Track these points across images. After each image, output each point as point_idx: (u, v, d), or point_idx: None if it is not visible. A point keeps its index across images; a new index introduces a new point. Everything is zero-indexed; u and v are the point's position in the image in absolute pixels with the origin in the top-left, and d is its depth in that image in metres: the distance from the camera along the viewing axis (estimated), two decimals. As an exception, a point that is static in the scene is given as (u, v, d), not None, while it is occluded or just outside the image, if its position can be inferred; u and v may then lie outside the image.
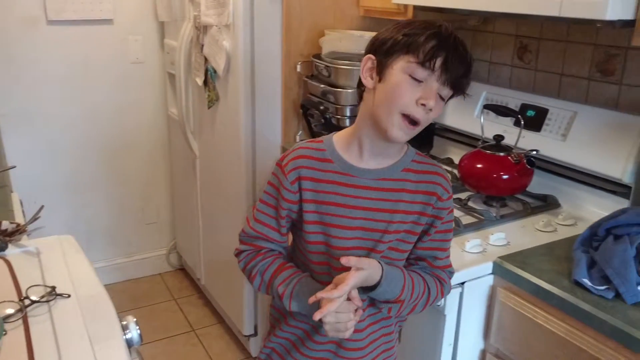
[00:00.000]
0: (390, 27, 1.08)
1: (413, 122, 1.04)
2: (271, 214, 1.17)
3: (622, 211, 1.33)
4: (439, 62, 1.01)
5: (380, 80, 1.06)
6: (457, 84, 1.04)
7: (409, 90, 1.02)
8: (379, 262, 1.09)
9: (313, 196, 1.13)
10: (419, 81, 1.02)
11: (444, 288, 1.19)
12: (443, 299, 1.33)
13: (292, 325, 1.22)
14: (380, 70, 1.06)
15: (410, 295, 1.12)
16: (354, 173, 1.12)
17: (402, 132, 1.05)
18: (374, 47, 1.09)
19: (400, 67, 1.03)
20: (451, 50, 1.02)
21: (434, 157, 2.10)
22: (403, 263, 1.17)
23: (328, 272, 1.14)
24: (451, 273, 1.21)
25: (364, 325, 1.17)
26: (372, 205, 1.12)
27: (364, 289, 1.10)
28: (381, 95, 1.06)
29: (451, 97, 1.08)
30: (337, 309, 1.04)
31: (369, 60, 1.08)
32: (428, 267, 1.18)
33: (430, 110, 1.03)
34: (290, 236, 1.23)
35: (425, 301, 1.16)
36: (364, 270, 1.05)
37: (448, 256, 1.20)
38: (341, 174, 1.12)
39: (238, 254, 1.22)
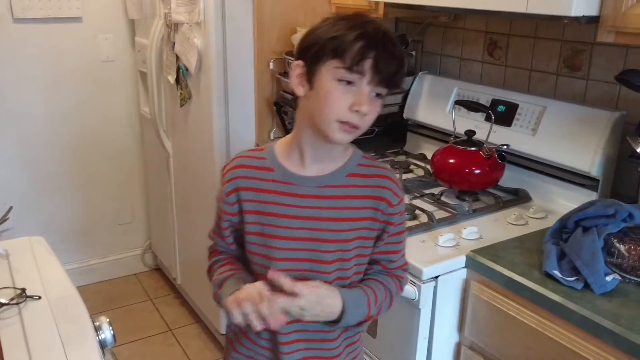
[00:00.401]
0: (317, 26, 1.03)
1: (353, 126, 1.00)
2: (219, 225, 1.15)
3: (590, 203, 1.35)
4: (367, 64, 0.96)
5: (311, 88, 1.01)
6: (391, 82, 1.00)
7: (341, 98, 0.98)
8: (337, 290, 1.05)
9: (254, 207, 1.08)
10: (351, 84, 0.98)
11: (402, 284, 1.17)
12: (416, 294, 1.34)
13: (254, 342, 1.14)
14: (310, 77, 1.01)
15: (375, 306, 1.09)
16: (295, 181, 1.07)
17: (343, 135, 1.01)
18: (301, 52, 1.03)
19: (329, 73, 0.98)
20: (380, 49, 0.97)
21: (407, 153, 2.12)
22: (362, 271, 1.13)
23: (270, 285, 1.07)
24: (406, 269, 1.19)
25: (334, 338, 1.12)
26: (315, 214, 1.06)
27: (328, 323, 1.06)
28: (315, 104, 1.01)
29: (388, 93, 1.04)
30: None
31: (298, 67, 1.03)
32: (383, 270, 1.14)
33: (366, 114, 0.99)
34: None
35: (388, 303, 1.14)
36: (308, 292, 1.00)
37: (403, 255, 1.16)
38: (282, 183, 1.07)
39: (207, 270, 1.19)
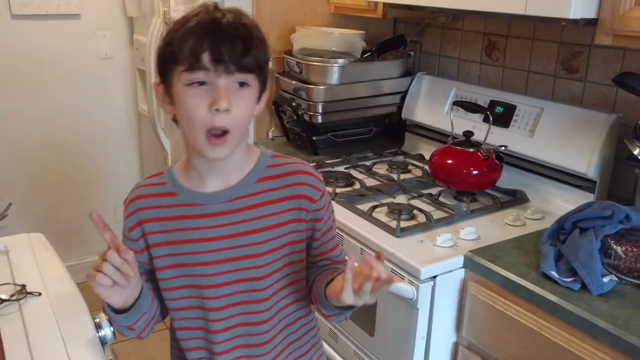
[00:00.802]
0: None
1: (219, 134, 0.90)
2: None
3: (588, 205, 1.36)
4: (206, 57, 0.86)
5: (173, 104, 0.93)
6: (244, 65, 0.89)
7: (197, 102, 0.88)
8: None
9: (162, 238, 0.98)
10: (203, 84, 0.88)
11: None
12: (414, 293, 1.35)
13: None
14: (168, 93, 0.93)
15: None
16: (200, 201, 0.98)
17: (216, 149, 0.90)
18: (157, 71, 0.94)
19: (179, 82, 0.89)
20: (215, 35, 0.87)
21: (405, 154, 2.13)
22: (303, 276, 1.06)
23: (204, 317, 1.01)
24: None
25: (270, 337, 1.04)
26: (231, 231, 0.98)
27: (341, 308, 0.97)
28: (181, 120, 0.92)
29: (260, 78, 0.94)
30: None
31: (158, 88, 0.95)
32: (332, 264, 1.08)
33: (228, 110, 0.88)
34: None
35: None
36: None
37: (338, 245, 1.11)
38: (188, 206, 0.98)
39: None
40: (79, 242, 2.99)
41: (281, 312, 1.05)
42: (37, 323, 0.97)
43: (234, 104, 0.89)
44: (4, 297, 1.01)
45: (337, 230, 1.22)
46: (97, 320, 1.00)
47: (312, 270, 1.08)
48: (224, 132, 0.89)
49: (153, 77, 2.47)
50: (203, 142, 0.90)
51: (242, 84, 0.90)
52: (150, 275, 1.02)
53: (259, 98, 0.97)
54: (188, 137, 0.93)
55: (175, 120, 0.96)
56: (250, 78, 0.91)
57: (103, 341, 0.98)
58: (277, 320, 1.05)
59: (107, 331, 0.99)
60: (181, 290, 1.01)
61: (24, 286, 1.05)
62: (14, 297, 1.02)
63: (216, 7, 0.91)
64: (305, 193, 1.00)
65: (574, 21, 1.32)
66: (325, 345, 1.51)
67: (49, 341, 0.92)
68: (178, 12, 2.18)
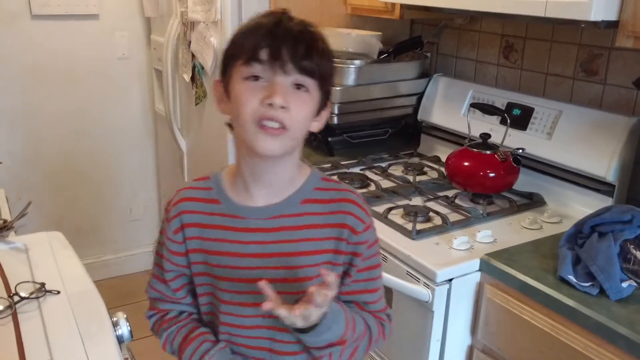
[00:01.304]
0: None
1: (275, 127, 0.86)
2: (162, 268, 1.00)
3: (607, 209, 1.35)
4: (265, 52, 0.86)
5: (229, 99, 0.92)
6: (304, 67, 0.87)
7: (251, 94, 0.86)
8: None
9: (199, 245, 0.96)
10: (259, 79, 0.87)
11: (384, 329, 1.02)
12: (430, 296, 1.34)
13: None
14: (226, 89, 0.92)
15: (352, 333, 0.94)
16: (242, 214, 0.94)
17: (268, 142, 0.87)
18: (220, 69, 0.95)
19: (236, 76, 0.89)
20: (278, 35, 0.86)
21: (420, 155, 2.12)
22: None
23: (235, 334, 0.98)
24: (389, 314, 1.04)
25: None
26: (266, 250, 0.93)
27: (298, 331, 0.89)
28: (235, 114, 0.90)
29: (321, 88, 0.91)
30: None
31: (217, 86, 0.94)
32: (361, 310, 1.00)
33: (284, 108, 0.85)
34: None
35: (367, 343, 0.99)
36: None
37: (381, 297, 1.02)
38: (229, 217, 0.95)
39: (148, 317, 1.07)
40: (95, 241, 3.02)
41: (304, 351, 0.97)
42: (56, 321, 0.98)
43: (291, 103, 0.86)
44: (23, 294, 1.02)
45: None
46: (115, 319, 1.01)
47: None
48: (282, 128, 0.87)
49: (170, 77, 2.48)
50: (254, 132, 0.87)
51: (299, 86, 0.88)
52: (188, 279, 1.01)
53: (318, 112, 0.93)
54: (240, 132, 0.90)
55: (230, 125, 0.94)
56: (308, 82, 0.88)
57: (120, 340, 0.99)
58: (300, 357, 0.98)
59: (124, 330, 1.00)
60: (204, 305, 1.00)
61: (43, 284, 1.05)
62: (33, 295, 1.03)
63: (284, 12, 0.91)
64: (348, 223, 0.94)
65: (594, 23, 1.31)
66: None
67: (67, 339, 0.93)
68: (196, 12, 2.19)
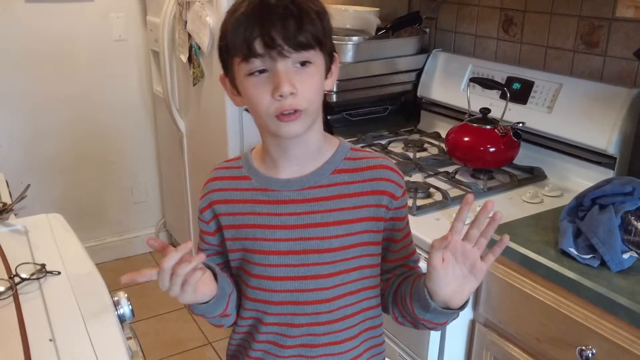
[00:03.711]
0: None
1: (290, 112, 0.86)
2: (199, 249, 1.03)
3: (607, 181, 1.34)
4: (258, 44, 0.83)
5: (240, 95, 0.91)
6: (302, 43, 0.84)
7: (260, 91, 0.85)
8: None
9: (230, 221, 0.96)
10: (263, 72, 0.85)
11: None
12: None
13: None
14: (233, 85, 0.91)
15: None
16: (273, 187, 0.94)
17: (290, 126, 0.87)
18: (221, 65, 0.93)
19: (239, 73, 0.88)
20: (263, 19, 0.83)
21: (420, 132, 2.11)
22: (375, 283, 0.99)
23: (263, 310, 0.97)
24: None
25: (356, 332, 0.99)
26: (299, 221, 0.93)
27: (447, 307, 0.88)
28: (250, 109, 0.91)
29: (324, 51, 0.89)
30: None
31: (224, 82, 0.94)
32: (411, 271, 1.02)
33: (293, 93, 0.84)
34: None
35: None
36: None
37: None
38: (259, 191, 0.95)
39: None
40: (98, 224, 3.03)
41: (344, 320, 0.97)
42: (57, 301, 0.98)
43: (299, 86, 0.85)
44: (24, 276, 1.03)
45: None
46: (116, 298, 1.01)
47: (392, 280, 1.01)
48: (295, 111, 0.86)
49: (167, 58, 2.47)
50: (275, 124, 0.87)
51: (303, 64, 0.86)
52: (223, 257, 1.01)
53: (328, 71, 0.92)
54: (261, 124, 0.91)
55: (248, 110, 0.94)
56: (310, 55, 0.86)
57: (122, 319, 0.99)
58: (339, 328, 0.97)
59: (125, 309, 1.00)
60: (241, 276, 0.99)
61: (43, 265, 1.06)
62: (34, 276, 1.04)
63: None
64: (387, 189, 0.94)
65: (594, -7, 1.29)
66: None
67: (69, 319, 0.94)
68: (191, -9, 2.17)
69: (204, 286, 0.88)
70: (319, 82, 0.89)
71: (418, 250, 1.36)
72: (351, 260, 0.94)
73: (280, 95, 0.84)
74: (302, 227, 0.93)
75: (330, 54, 0.91)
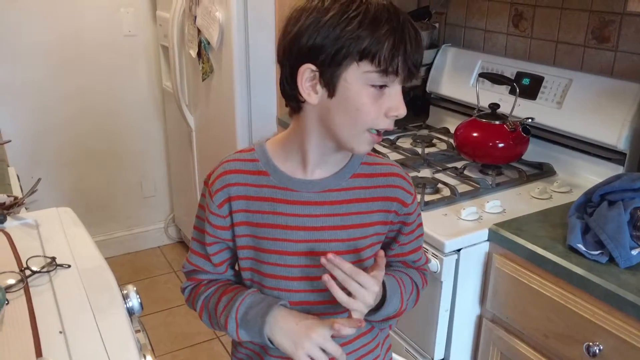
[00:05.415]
0: (311, 15, 0.83)
1: (383, 132, 0.89)
2: (202, 241, 0.99)
3: (617, 177, 1.34)
4: (399, 62, 0.83)
5: (330, 96, 0.86)
6: (414, 72, 0.86)
7: (375, 104, 0.85)
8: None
9: (246, 217, 0.95)
10: (383, 87, 0.85)
11: (426, 277, 1.09)
12: (438, 267, 1.35)
13: None
14: (328, 83, 0.85)
15: (407, 300, 1.00)
16: (294, 187, 0.93)
17: (370, 146, 0.91)
18: (309, 54, 0.84)
19: (357, 79, 0.84)
20: (408, 42, 0.83)
21: (429, 127, 2.11)
22: None
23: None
24: (427, 267, 1.11)
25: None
26: (318, 223, 0.93)
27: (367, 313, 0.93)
28: (340, 114, 0.86)
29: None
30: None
31: (307, 71, 0.85)
32: (404, 267, 1.05)
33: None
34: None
35: (415, 298, 1.05)
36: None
37: (422, 255, 1.08)
38: (279, 189, 0.93)
39: (182, 290, 1.06)
40: (108, 218, 3.05)
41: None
42: (67, 294, 0.99)
43: None
44: (35, 268, 1.04)
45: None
46: (125, 291, 1.02)
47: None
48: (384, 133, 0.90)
49: (177, 53, 2.47)
50: (363, 139, 0.88)
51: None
52: (231, 252, 1.00)
53: None
54: (343, 134, 0.88)
55: (293, 108, 0.91)
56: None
57: (131, 312, 1.00)
58: None
59: (134, 302, 1.01)
60: (247, 272, 0.99)
61: (54, 258, 1.07)
62: (45, 269, 1.05)
63: (394, 6, 0.85)
64: (398, 196, 0.96)
65: (605, -12, 1.28)
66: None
67: (78, 311, 0.94)
68: (200, -13, 2.17)
69: None
70: None
71: (425, 246, 1.38)
72: (362, 262, 0.96)
73: (396, 116, 0.86)
74: (319, 229, 0.94)
75: None
